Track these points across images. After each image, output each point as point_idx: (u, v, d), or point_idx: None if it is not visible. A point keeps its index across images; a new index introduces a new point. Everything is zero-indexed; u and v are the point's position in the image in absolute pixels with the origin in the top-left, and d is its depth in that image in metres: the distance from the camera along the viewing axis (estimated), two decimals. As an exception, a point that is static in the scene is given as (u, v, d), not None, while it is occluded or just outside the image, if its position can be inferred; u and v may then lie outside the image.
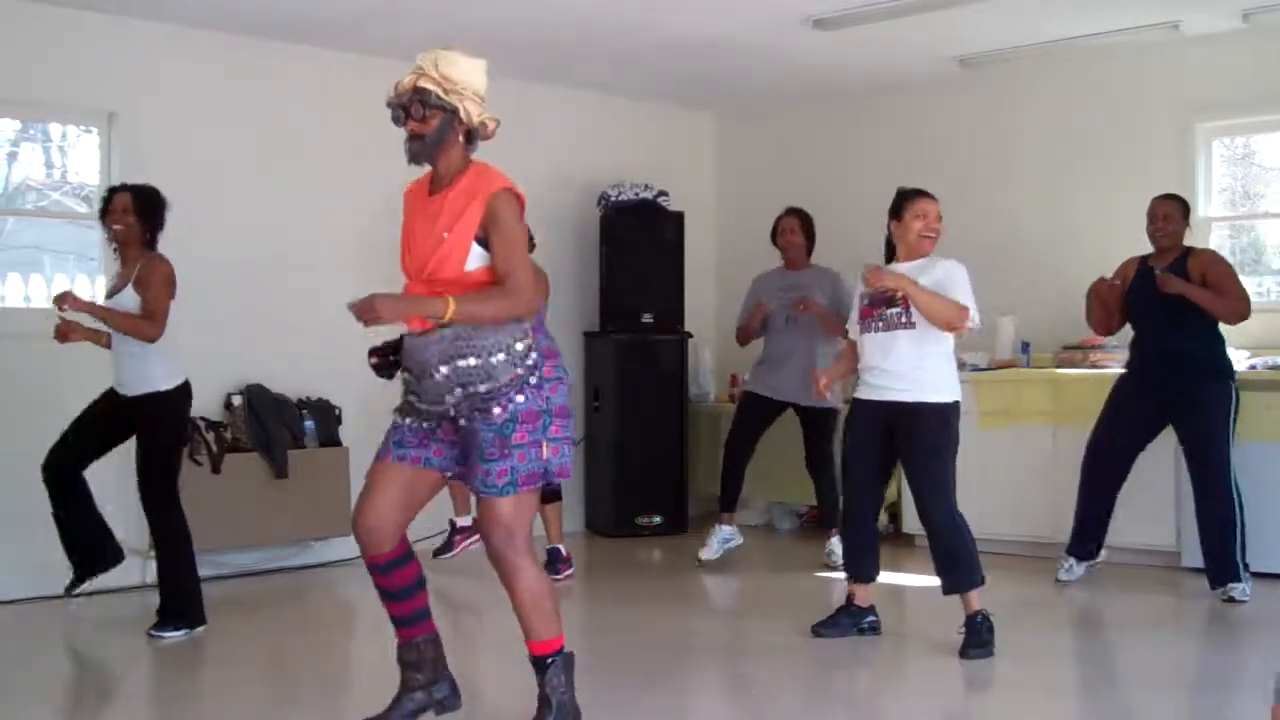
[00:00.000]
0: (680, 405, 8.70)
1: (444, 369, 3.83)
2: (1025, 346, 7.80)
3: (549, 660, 3.97)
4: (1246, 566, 6.26)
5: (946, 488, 5.31)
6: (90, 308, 5.61)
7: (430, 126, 3.91)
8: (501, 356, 3.82)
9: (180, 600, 5.72)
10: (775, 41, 7.67)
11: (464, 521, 7.14)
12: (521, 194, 3.94)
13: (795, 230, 7.35)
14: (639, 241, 8.70)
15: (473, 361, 3.81)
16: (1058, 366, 7.54)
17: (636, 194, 8.70)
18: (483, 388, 3.82)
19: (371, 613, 6.73)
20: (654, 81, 8.81)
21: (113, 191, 5.87)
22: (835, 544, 7.02)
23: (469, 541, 7.12)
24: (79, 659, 5.87)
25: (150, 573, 6.89)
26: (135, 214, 5.73)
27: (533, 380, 3.85)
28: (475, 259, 3.85)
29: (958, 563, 5.30)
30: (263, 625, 6.21)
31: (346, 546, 7.51)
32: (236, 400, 7.14)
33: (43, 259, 7.33)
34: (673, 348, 8.69)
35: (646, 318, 8.67)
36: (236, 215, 7.26)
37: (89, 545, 5.90)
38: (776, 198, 8.62)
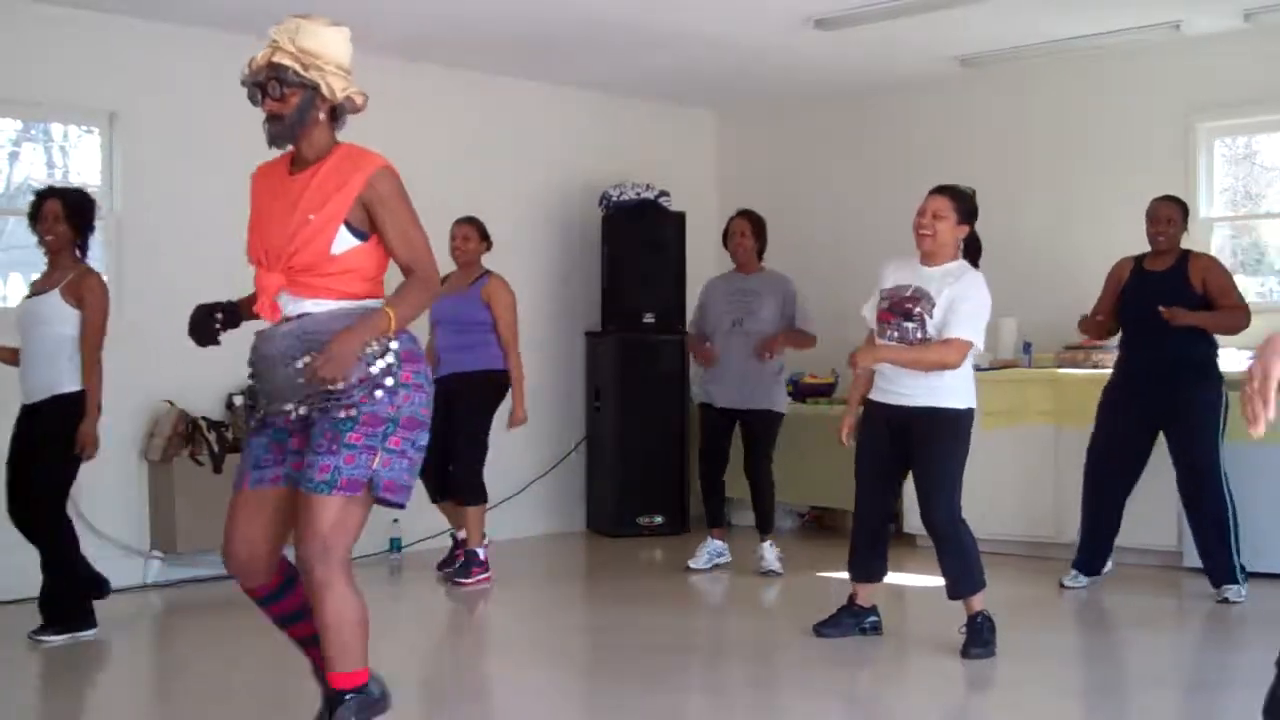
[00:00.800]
0: (681, 405, 8.70)
1: (298, 363, 3.52)
2: (1027, 346, 7.80)
3: (345, 696, 3.53)
4: (1243, 568, 6.26)
5: (950, 493, 5.27)
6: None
7: (290, 105, 3.56)
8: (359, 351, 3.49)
9: (74, 603, 5.62)
10: (776, 41, 7.66)
11: (465, 535, 7.10)
12: (398, 173, 3.66)
13: (746, 233, 7.16)
14: (640, 241, 8.70)
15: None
16: (1059, 366, 7.54)
17: (637, 194, 8.69)
18: (340, 385, 3.47)
19: (377, 611, 6.76)
20: (655, 81, 8.81)
21: (41, 196, 5.69)
22: (767, 549, 7.07)
23: (483, 578, 7.05)
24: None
25: (151, 574, 6.92)
26: (65, 221, 5.60)
27: (387, 383, 3.51)
28: (341, 243, 3.53)
29: (960, 568, 5.28)
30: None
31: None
32: (238, 400, 7.14)
33: (44, 259, 7.32)
34: (674, 348, 8.68)
35: (648, 318, 8.66)
36: (237, 215, 7.22)
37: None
38: (778, 198, 8.64)
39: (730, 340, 7.07)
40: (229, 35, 7.20)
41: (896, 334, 5.24)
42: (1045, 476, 7.30)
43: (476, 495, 6.94)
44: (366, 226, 3.57)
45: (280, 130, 3.58)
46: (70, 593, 5.63)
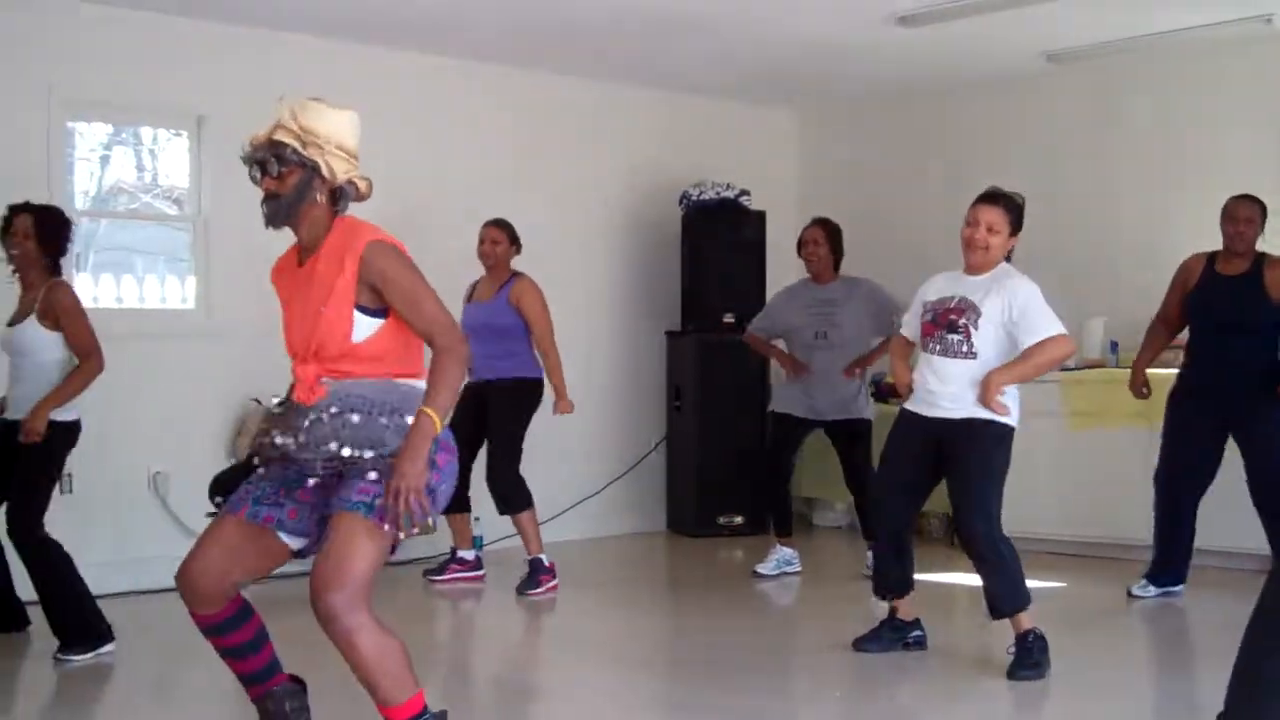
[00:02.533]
0: (762, 405, 8.65)
1: (333, 445, 3.40)
2: (1114, 346, 7.69)
3: None
4: None
5: (989, 509, 5.00)
6: (46, 409, 5.27)
7: (287, 185, 3.44)
8: (389, 421, 3.40)
9: (83, 619, 5.41)
10: (859, 39, 7.61)
11: (465, 554, 7.09)
12: (398, 242, 3.49)
13: (820, 242, 6.99)
14: (720, 241, 8.68)
15: (356, 419, 3.39)
16: (1149, 367, 7.40)
17: (718, 193, 8.66)
18: (365, 453, 3.37)
19: (452, 609, 6.82)
20: (736, 80, 8.78)
21: (13, 211, 5.50)
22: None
23: (464, 574, 7.07)
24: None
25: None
26: (35, 238, 5.41)
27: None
28: (363, 329, 3.41)
29: (1001, 586, 5.02)
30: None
31: (407, 548, 7.57)
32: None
33: (134, 260, 7.45)
34: (755, 347, 8.65)
35: (728, 317, 8.63)
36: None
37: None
38: (859, 197, 8.59)
39: (814, 353, 6.96)
40: (316, 40, 7.30)
41: (939, 346, 5.04)
42: (1132, 478, 7.17)
43: (519, 500, 6.87)
44: (380, 303, 3.43)
45: (276, 210, 3.47)
46: (75, 608, 5.40)
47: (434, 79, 7.79)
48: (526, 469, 6.96)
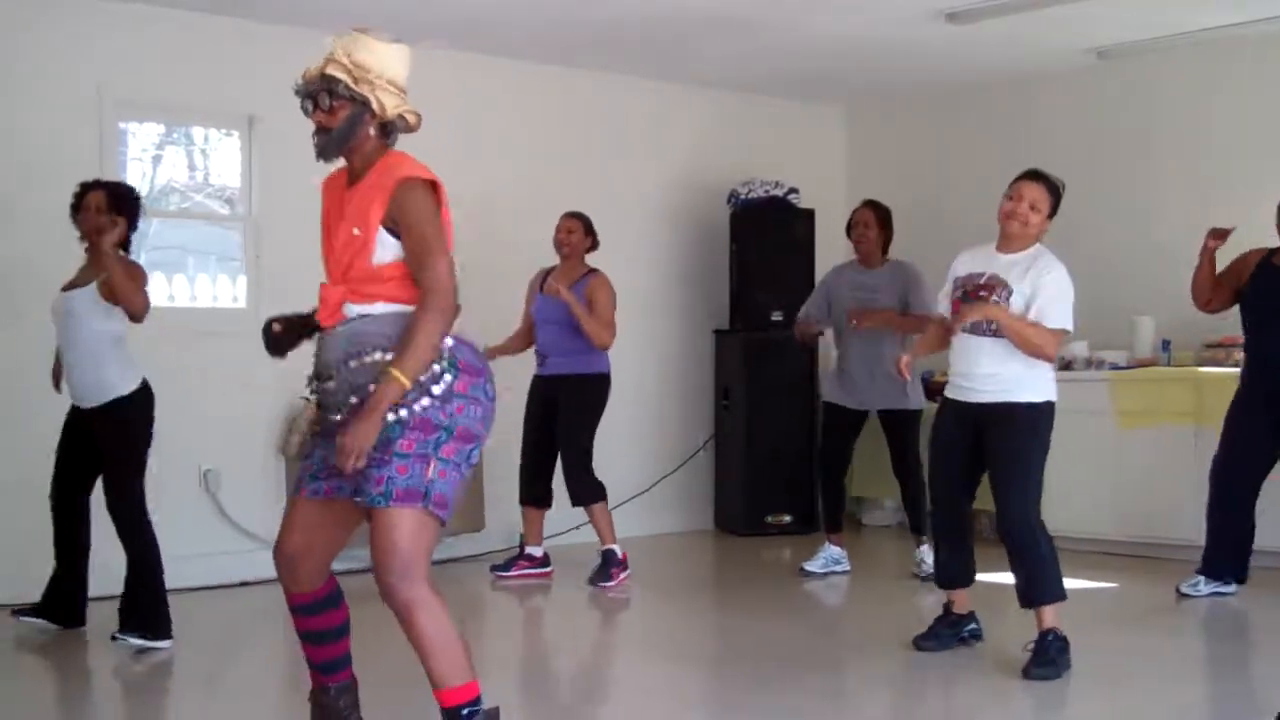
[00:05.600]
0: (810, 403, 8.64)
1: (342, 370, 3.48)
2: (1166, 344, 7.62)
3: (463, 711, 3.43)
4: None
5: (1028, 492, 4.97)
6: (110, 259, 5.28)
7: (338, 119, 3.51)
8: (381, 357, 3.42)
9: (153, 608, 5.42)
10: (907, 35, 7.58)
11: (534, 550, 7.11)
12: (437, 180, 3.52)
13: (870, 224, 6.97)
14: (769, 239, 8.66)
15: (366, 360, 3.44)
16: (1200, 365, 7.35)
17: (766, 191, 8.64)
18: (372, 389, 3.39)
19: (487, 607, 6.84)
20: (784, 78, 8.77)
21: (85, 188, 5.51)
22: (925, 552, 6.78)
23: (531, 571, 7.08)
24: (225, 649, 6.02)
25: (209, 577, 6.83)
26: (107, 213, 5.40)
27: (435, 390, 3.40)
28: (388, 250, 3.46)
29: (1036, 574, 4.97)
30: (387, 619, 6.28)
31: (474, 543, 7.61)
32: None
33: (186, 259, 7.52)
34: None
35: (776, 315, 8.60)
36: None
37: (60, 593, 5.68)
38: (908, 194, 8.54)
39: (851, 339, 6.94)
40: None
41: (969, 325, 4.97)
42: (1184, 477, 7.10)
43: (592, 494, 6.92)
44: None
45: (327, 143, 3.53)
46: (151, 598, 5.44)
47: (480, 78, 7.81)
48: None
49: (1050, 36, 7.63)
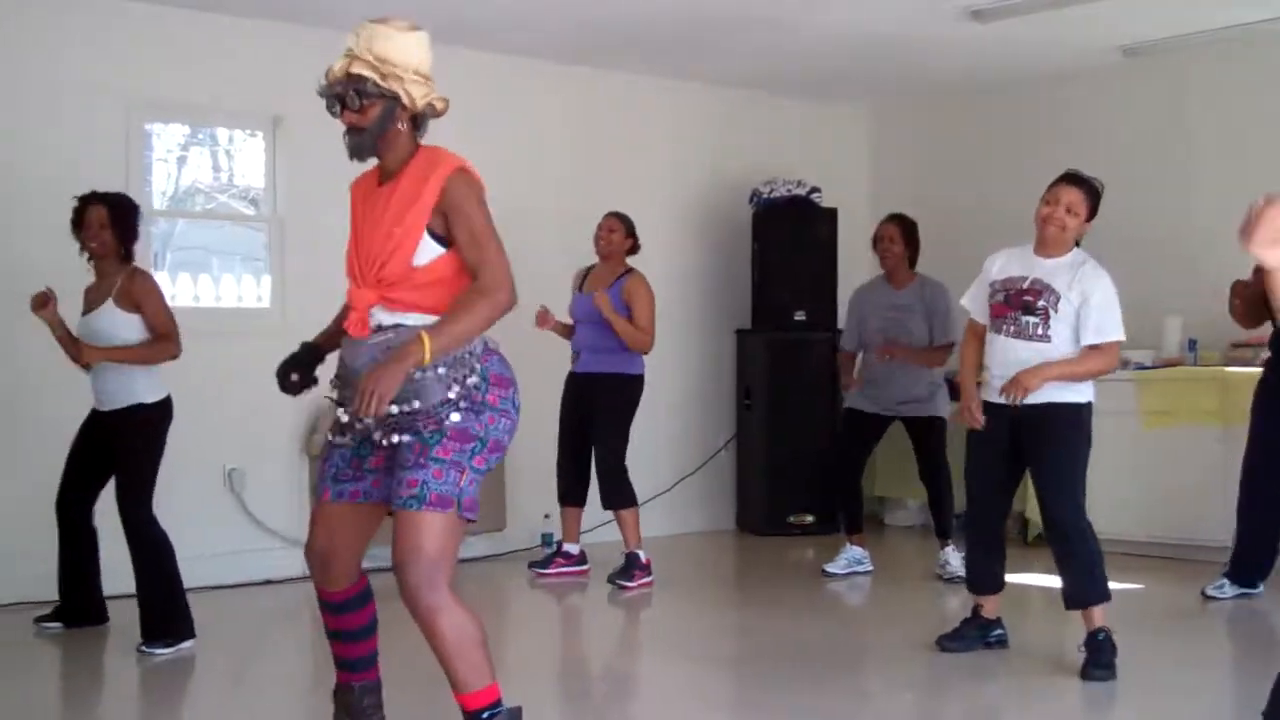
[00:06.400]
0: (832, 404, 8.62)
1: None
2: (1192, 344, 7.58)
3: (484, 715, 3.43)
4: None
5: (1074, 492, 4.96)
6: (107, 354, 5.35)
7: (369, 117, 3.45)
8: (429, 373, 3.38)
9: (171, 613, 5.42)
10: (931, 34, 7.56)
11: (570, 548, 7.11)
12: (478, 176, 3.52)
13: (895, 239, 6.93)
14: (791, 239, 8.64)
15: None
16: (1226, 365, 7.31)
17: (788, 190, 8.62)
18: (409, 406, 3.39)
19: (519, 607, 6.85)
20: (807, 77, 8.75)
21: (84, 202, 5.52)
22: (950, 554, 6.82)
23: (569, 569, 7.08)
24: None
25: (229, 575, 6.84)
26: (110, 227, 5.45)
27: (462, 405, 3.41)
28: (425, 253, 3.43)
29: (1087, 575, 4.95)
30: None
31: (498, 542, 7.62)
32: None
33: (210, 260, 7.55)
34: (825, 346, 8.60)
35: (798, 315, 8.60)
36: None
37: (77, 596, 5.70)
38: (932, 193, 8.53)
39: (881, 357, 6.93)
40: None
41: (1014, 328, 4.96)
42: (1210, 478, 7.07)
43: (624, 499, 6.93)
44: (446, 233, 3.46)
45: (360, 142, 3.48)
46: (169, 603, 5.43)
47: (501, 78, 7.81)
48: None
49: (1076, 34, 7.60)
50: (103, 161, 6.40)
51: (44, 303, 5.46)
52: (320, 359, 3.77)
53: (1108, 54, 8.02)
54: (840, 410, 8.56)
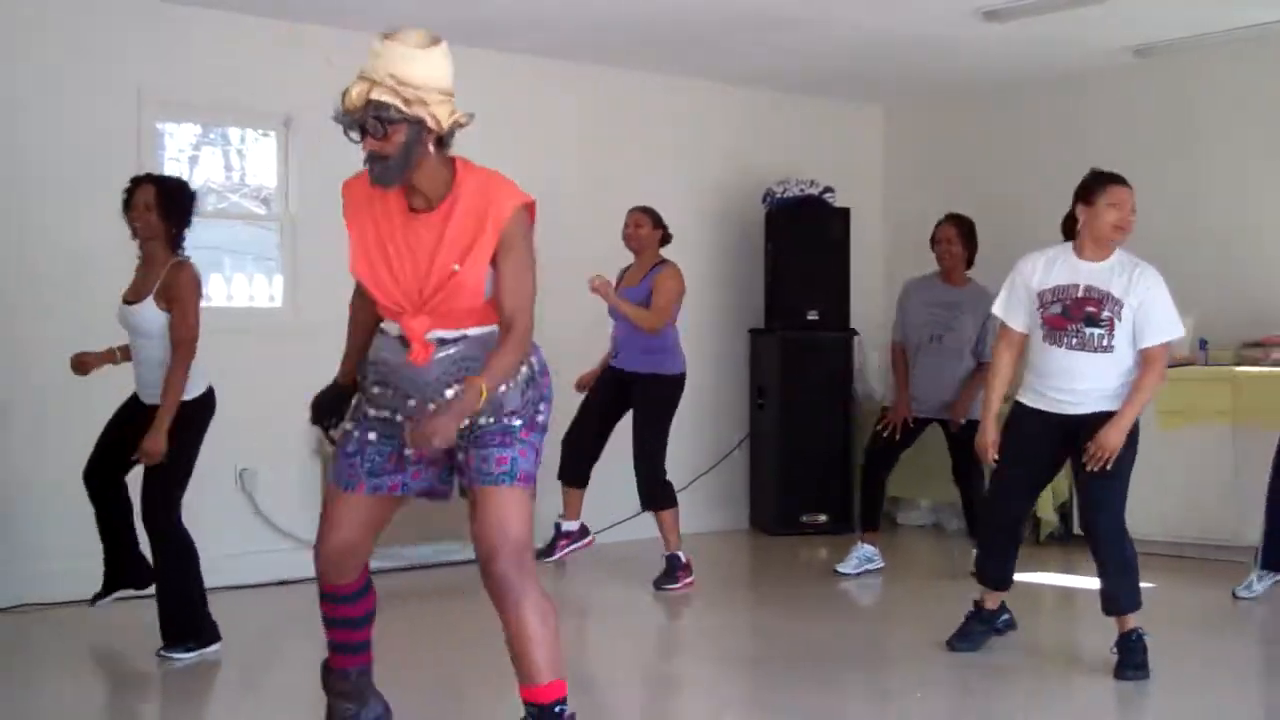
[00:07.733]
0: (845, 403, 8.62)
1: (448, 392, 3.41)
2: (1203, 343, 7.56)
3: (556, 708, 3.39)
4: None
5: (1120, 502, 4.97)
6: (162, 425, 5.15)
7: (394, 144, 3.28)
8: (505, 386, 3.43)
9: (192, 618, 5.35)
10: (944, 34, 7.55)
11: (570, 526, 7.04)
12: (534, 208, 3.45)
13: (954, 240, 6.91)
14: (804, 238, 8.63)
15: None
16: (1237, 364, 7.30)
17: (802, 190, 8.62)
18: (483, 420, 3.43)
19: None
20: (821, 77, 8.74)
21: (136, 183, 5.35)
22: None
23: (574, 546, 7.02)
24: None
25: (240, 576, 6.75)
26: (157, 209, 5.24)
27: (529, 398, 3.53)
28: (487, 281, 3.43)
29: (1123, 582, 4.98)
30: (425, 613, 6.31)
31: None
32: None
33: (223, 259, 7.54)
34: (838, 345, 8.61)
35: (812, 315, 8.59)
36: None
37: (118, 560, 5.56)
38: (945, 193, 8.51)
39: (927, 356, 6.91)
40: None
41: (1076, 340, 4.89)
42: (1221, 478, 7.06)
43: (665, 499, 6.88)
44: (493, 257, 3.43)
45: (385, 171, 3.31)
46: (190, 607, 5.34)
47: (514, 77, 7.81)
48: (612, 467, 7.01)
49: (1088, 35, 7.58)
50: (115, 160, 6.40)
51: (84, 370, 5.45)
52: (349, 399, 3.77)
53: (1120, 54, 8.01)
54: (853, 407, 8.58)
